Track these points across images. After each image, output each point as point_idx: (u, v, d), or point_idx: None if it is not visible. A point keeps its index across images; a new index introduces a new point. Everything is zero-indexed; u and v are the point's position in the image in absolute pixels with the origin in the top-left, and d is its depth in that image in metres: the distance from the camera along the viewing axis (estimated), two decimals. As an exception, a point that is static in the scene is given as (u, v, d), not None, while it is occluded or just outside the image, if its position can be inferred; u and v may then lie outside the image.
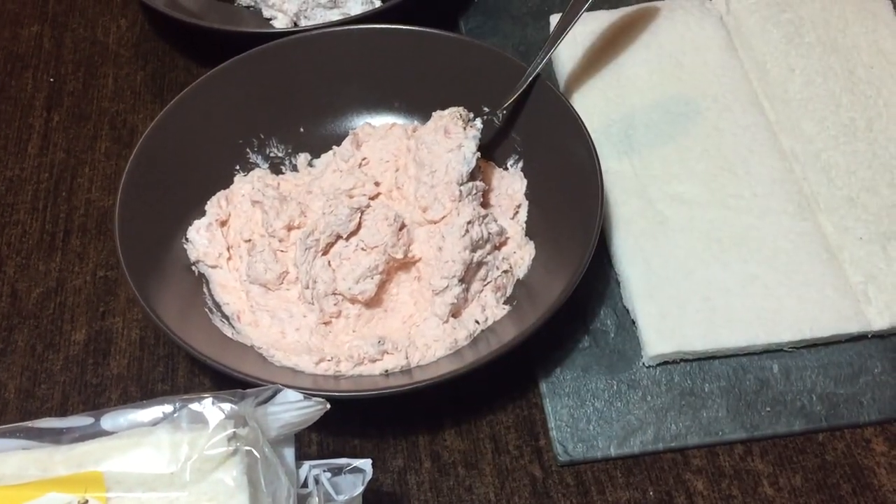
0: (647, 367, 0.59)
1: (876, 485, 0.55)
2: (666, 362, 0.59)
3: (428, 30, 0.69)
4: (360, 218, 0.60)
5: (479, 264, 0.60)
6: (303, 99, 0.69)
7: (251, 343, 0.58)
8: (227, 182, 0.67)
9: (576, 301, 0.60)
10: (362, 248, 0.59)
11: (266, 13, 0.80)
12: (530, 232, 0.64)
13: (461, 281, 0.59)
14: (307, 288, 0.59)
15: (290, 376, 0.56)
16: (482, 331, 0.59)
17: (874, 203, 0.64)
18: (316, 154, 0.69)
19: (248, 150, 0.68)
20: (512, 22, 0.80)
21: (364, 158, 0.65)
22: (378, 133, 0.66)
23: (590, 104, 0.70)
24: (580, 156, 0.61)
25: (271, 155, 0.69)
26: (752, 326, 0.58)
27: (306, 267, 0.59)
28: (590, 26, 0.75)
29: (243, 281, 0.62)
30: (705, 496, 0.54)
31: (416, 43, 0.68)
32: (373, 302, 0.59)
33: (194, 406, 0.42)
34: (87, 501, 0.40)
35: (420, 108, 0.68)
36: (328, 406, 0.44)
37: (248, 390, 0.44)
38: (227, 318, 0.60)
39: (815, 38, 0.73)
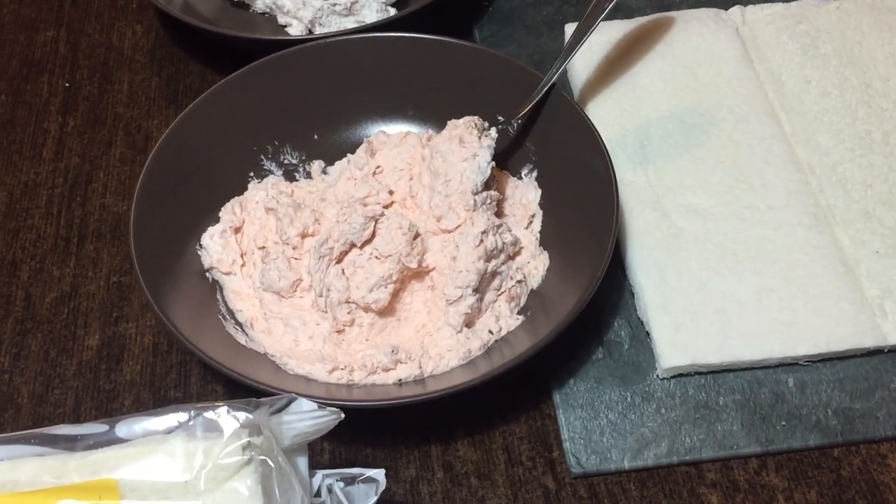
0: (661, 380, 0.59)
1: (892, 501, 0.54)
2: (680, 375, 0.59)
3: (442, 38, 0.69)
4: (375, 226, 0.60)
5: (493, 274, 0.60)
6: (317, 106, 0.69)
7: (264, 350, 0.58)
8: (241, 189, 0.67)
9: (590, 312, 0.60)
10: (376, 257, 0.59)
11: (281, 20, 0.80)
12: (544, 242, 0.63)
13: (475, 291, 0.58)
14: (321, 296, 0.59)
15: (303, 384, 0.56)
16: (496, 341, 0.58)
17: (891, 217, 0.64)
18: (330, 161, 0.69)
19: (262, 156, 0.68)
20: (526, 31, 0.80)
21: (378, 167, 0.65)
22: (392, 141, 0.66)
23: (605, 114, 0.70)
24: (595, 166, 0.61)
25: (285, 162, 0.69)
26: (767, 339, 0.58)
27: (320, 275, 0.59)
28: (605, 36, 0.75)
29: (257, 288, 0.61)
30: (719, 510, 0.54)
31: (431, 51, 0.68)
32: (386, 311, 0.59)
33: (209, 414, 0.42)
34: (101, 509, 0.40)
35: (435, 116, 0.68)
36: (342, 416, 0.44)
37: (263, 399, 0.44)
38: (240, 325, 0.60)
39: (832, 50, 0.73)
